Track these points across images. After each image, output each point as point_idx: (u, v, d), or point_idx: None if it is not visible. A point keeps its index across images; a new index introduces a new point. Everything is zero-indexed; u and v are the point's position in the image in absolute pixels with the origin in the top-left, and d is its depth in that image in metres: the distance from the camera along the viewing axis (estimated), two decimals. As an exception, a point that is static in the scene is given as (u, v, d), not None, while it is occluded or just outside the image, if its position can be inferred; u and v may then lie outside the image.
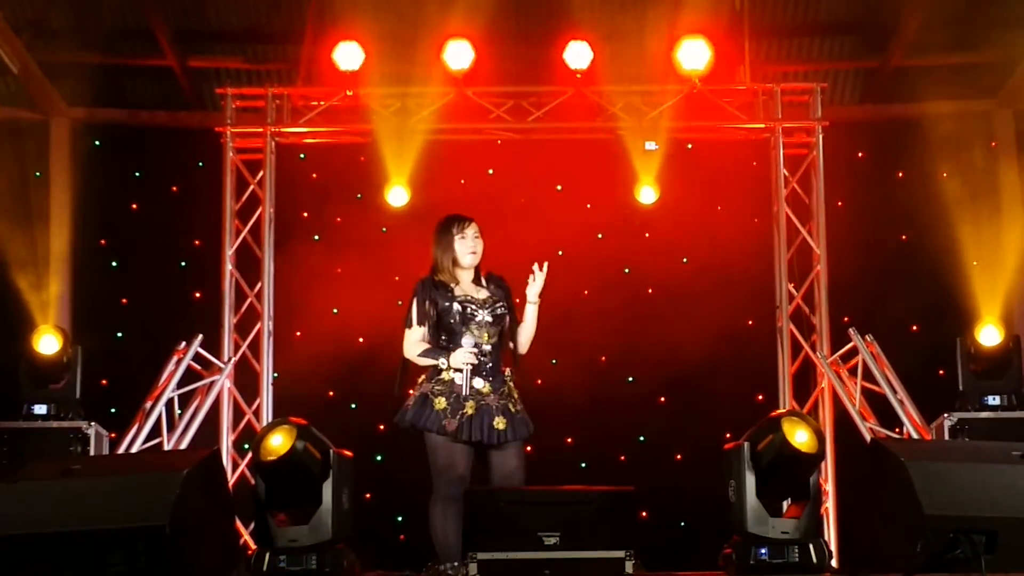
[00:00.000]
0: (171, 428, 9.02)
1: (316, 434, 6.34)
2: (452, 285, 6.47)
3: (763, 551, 6.14)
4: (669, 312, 10.17)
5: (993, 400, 8.69)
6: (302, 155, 10.51)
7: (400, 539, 10.10)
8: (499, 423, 6.30)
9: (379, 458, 10.21)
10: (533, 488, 6.35)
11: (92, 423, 8.51)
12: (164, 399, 8.99)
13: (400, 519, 10.26)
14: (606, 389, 10.21)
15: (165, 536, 5.34)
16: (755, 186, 10.20)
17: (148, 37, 10.22)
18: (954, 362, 8.92)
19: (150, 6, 9.96)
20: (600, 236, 10.47)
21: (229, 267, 9.90)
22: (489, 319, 6.41)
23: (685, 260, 10.44)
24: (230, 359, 9.65)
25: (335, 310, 10.20)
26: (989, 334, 8.72)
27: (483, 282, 6.52)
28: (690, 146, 10.23)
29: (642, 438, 10.45)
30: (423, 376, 6.44)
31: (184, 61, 10.44)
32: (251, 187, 10.05)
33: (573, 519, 5.87)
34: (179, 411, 9.11)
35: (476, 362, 6.32)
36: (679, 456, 10.27)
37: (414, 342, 6.46)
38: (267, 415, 9.74)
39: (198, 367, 9.32)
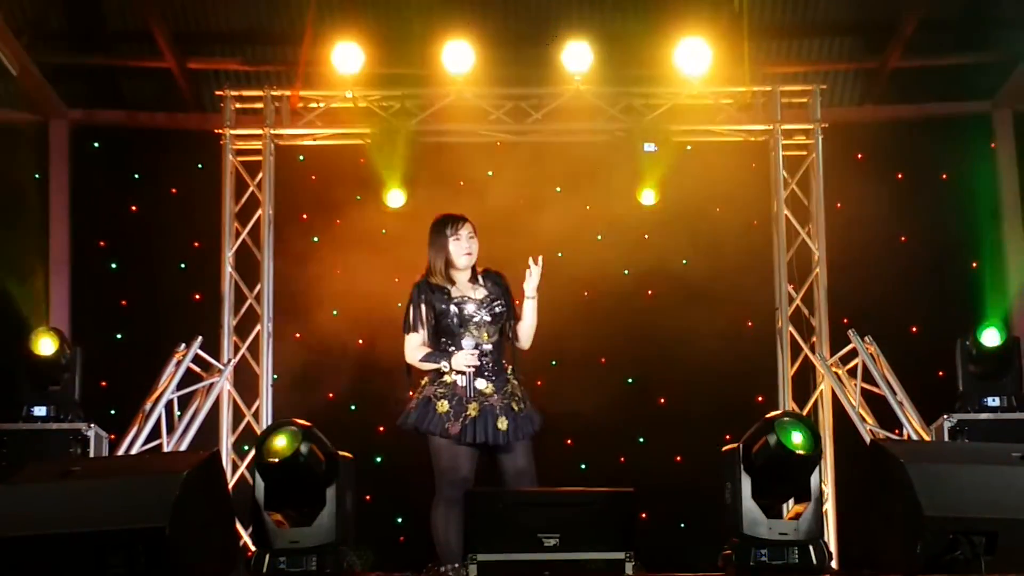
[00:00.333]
0: (171, 430, 9.02)
1: (320, 436, 6.34)
2: (448, 287, 6.45)
3: (763, 552, 6.14)
4: (669, 314, 10.17)
5: (993, 401, 8.68)
6: (301, 157, 10.51)
7: (400, 541, 10.11)
8: (502, 423, 6.29)
9: (379, 460, 10.22)
10: (533, 489, 6.35)
11: (92, 425, 8.51)
12: (164, 401, 8.99)
13: (400, 521, 10.26)
14: (606, 390, 10.20)
15: (165, 538, 5.33)
16: (754, 187, 10.21)
17: (147, 39, 10.22)
18: (953, 363, 8.92)
19: (149, 8, 9.96)
20: (599, 238, 10.47)
21: (228, 269, 9.90)
22: (488, 318, 6.39)
23: (685, 262, 10.43)
24: (230, 361, 9.65)
25: (335, 312, 10.20)
26: (990, 335, 8.71)
27: (480, 280, 6.50)
28: (689, 147, 10.23)
29: (642, 439, 10.45)
30: (425, 379, 6.42)
31: (183, 63, 10.44)
32: (250, 189, 10.06)
33: (573, 520, 5.86)
34: (179, 413, 9.11)
35: (478, 363, 6.30)
36: (679, 457, 10.27)
37: (414, 347, 6.44)
38: (267, 417, 9.74)
39: (198, 369, 9.31)
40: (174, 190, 10.66)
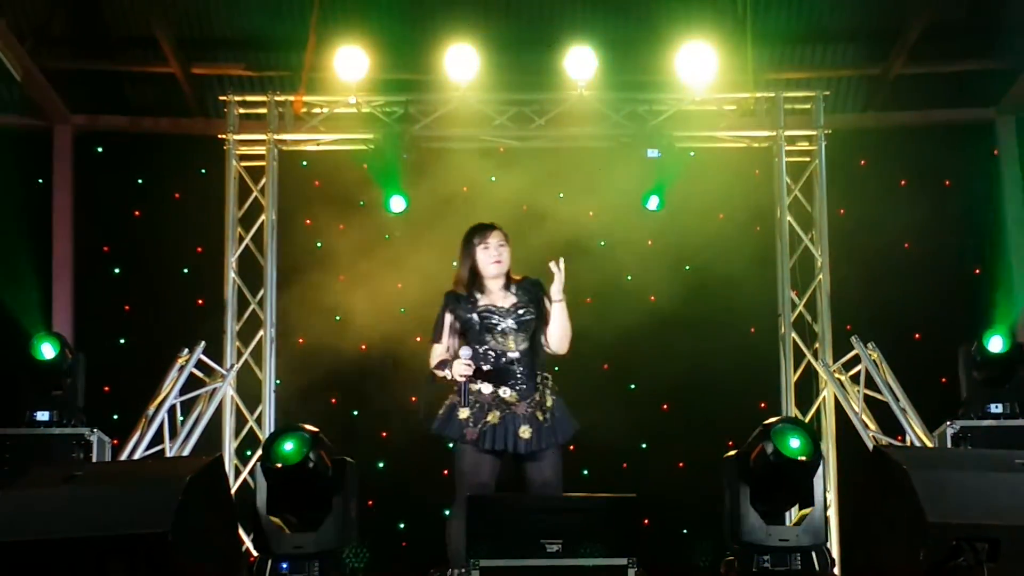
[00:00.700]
0: (173, 435, 9.02)
1: (327, 443, 6.35)
2: (475, 295, 6.43)
3: (765, 558, 6.14)
4: (671, 319, 10.17)
5: (996, 408, 8.67)
6: (304, 162, 10.52)
7: (402, 545, 10.11)
8: (524, 432, 6.27)
9: (381, 465, 10.22)
10: (535, 495, 6.35)
11: (94, 430, 8.51)
12: (167, 406, 8.98)
13: (402, 526, 10.26)
14: (608, 396, 10.20)
15: (167, 543, 5.33)
16: (757, 194, 10.21)
17: (151, 44, 10.23)
18: (956, 370, 8.91)
19: (153, 13, 9.97)
20: (602, 243, 10.47)
21: (232, 274, 9.90)
22: (514, 326, 6.36)
23: (687, 267, 10.44)
24: (232, 366, 9.65)
25: (337, 317, 10.20)
26: (996, 342, 8.70)
27: (513, 288, 6.46)
28: (692, 153, 10.23)
29: (644, 445, 10.44)
30: (456, 386, 6.43)
31: (187, 68, 10.45)
32: (253, 194, 10.06)
33: (576, 526, 5.86)
34: (181, 418, 9.11)
35: (469, 372, 6.26)
36: (681, 464, 10.27)
37: (435, 356, 6.44)
38: (269, 422, 9.74)
39: (200, 374, 9.31)
40: (177, 195, 10.67)
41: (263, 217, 10.03)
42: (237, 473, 9.65)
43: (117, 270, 10.70)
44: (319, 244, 10.44)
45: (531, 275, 6.49)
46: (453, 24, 9.70)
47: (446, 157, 10.06)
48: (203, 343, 9.24)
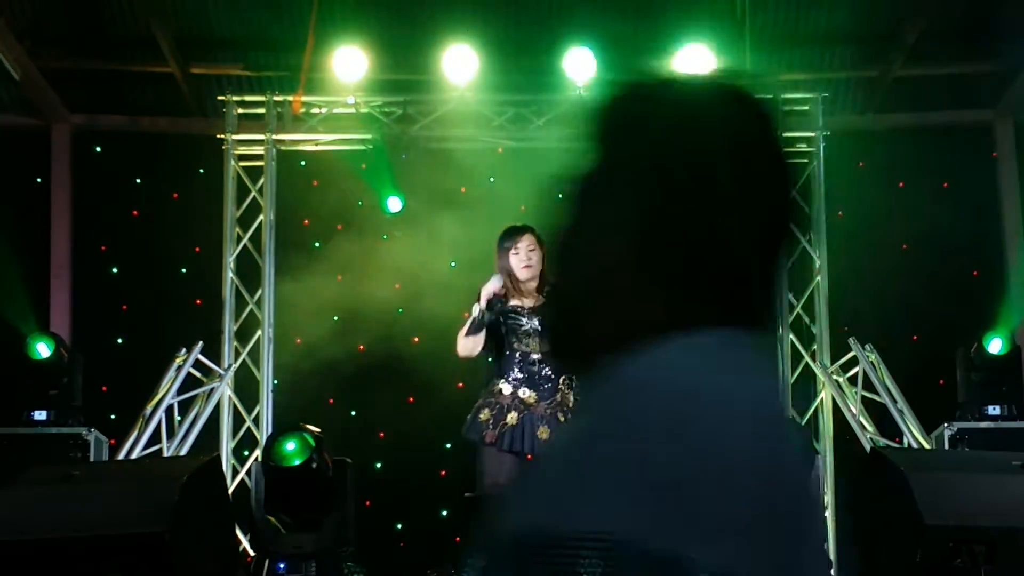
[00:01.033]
0: (171, 435, 9.01)
1: (325, 443, 6.36)
2: (509, 296, 6.44)
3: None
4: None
5: (993, 410, 8.68)
6: (303, 162, 10.52)
7: (400, 546, 10.11)
8: (543, 433, 6.28)
9: (378, 466, 10.21)
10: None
11: (92, 429, 8.51)
12: (164, 405, 8.98)
13: (399, 527, 10.26)
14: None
15: (164, 543, 5.33)
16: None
17: (150, 44, 10.22)
18: (954, 372, 8.91)
19: (152, 13, 9.97)
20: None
21: (230, 274, 9.90)
22: (538, 328, 6.37)
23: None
24: (230, 366, 9.65)
25: (335, 317, 10.20)
26: (996, 343, 8.69)
27: (546, 291, 6.48)
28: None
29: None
30: (484, 391, 6.43)
31: (185, 68, 10.44)
32: (252, 194, 10.06)
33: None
34: (179, 418, 9.11)
35: (498, 286, 6.27)
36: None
37: (457, 339, 6.43)
38: (267, 422, 9.74)
39: (198, 374, 9.31)
40: (176, 195, 10.66)
41: (261, 217, 10.02)
42: (234, 473, 9.64)
43: (115, 269, 10.69)
44: (317, 244, 10.44)
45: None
46: (452, 25, 9.70)
47: (444, 158, 10.05)
48: (201, 343, 9.24)
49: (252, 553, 6.53)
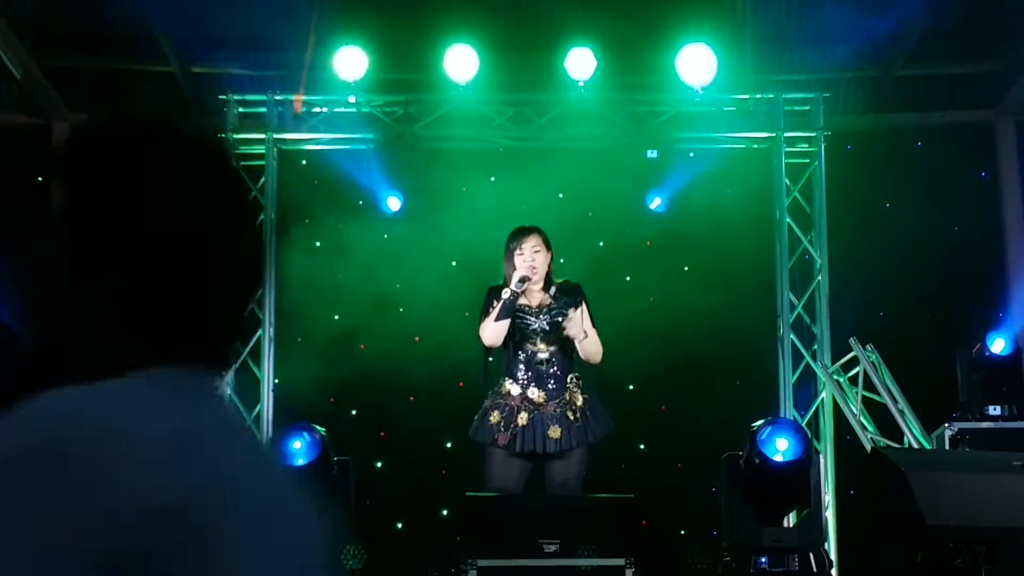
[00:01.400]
0: (171, 434, 9.00)
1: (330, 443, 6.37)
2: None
3: (763, 559, 6.14)
4: (670, 320, 10.17)
5: (994, 410, 8.67)
6: (304, 161, 10.52)
7: (400, 545, 10.10)
8: (554, 432, 6.28)
9: (379, 464, 10.22)
10: (533, 495, 6.35)
11: (92, 428, 8.49)
12: (165, 405, 8.96)
13: (399, 525, 10.26)
14: (606, 397, 10.18)
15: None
16: (756, 195, 10.21)
17: (151, 43, 10.22)
18: (955, 372, 8.91)
19: (153, 12, 9.96)
20: (601, 244, 10.47)
21: (230, 273, 9.88)
22: (546, 327, 6.38)
23: (686, 268, 10.44)
24: (231, 365, 9.65)
25: (336, 316, 10.21)
26: (998, 343, 8.69)
27: (552, 291, 6.48)
28: (692, 154, 10.23)
29: (642, 446, 10.44)
30: (490, 392, 6.43)
31: (186, 67, 10.44)
32: (252, 193, 10.05)
33: (573, 527, 5.86)
34: (179, 417, 9.09)
35: (525, 271, 6.29)
36: (679, 464, 10.27)
37: (484, 325, 6.41)
38: (268, 421, 9.74)
39: (199, 373, 9.29)
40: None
41: (262, 216, 10.02)
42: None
43: (116, 269, 10.69)
44: (318, 243, 10.44)
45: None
46: (453, 24, 9.70)
47: (445, 157, 10.06)
48: (201, 342, 9.21)
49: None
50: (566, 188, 10.40)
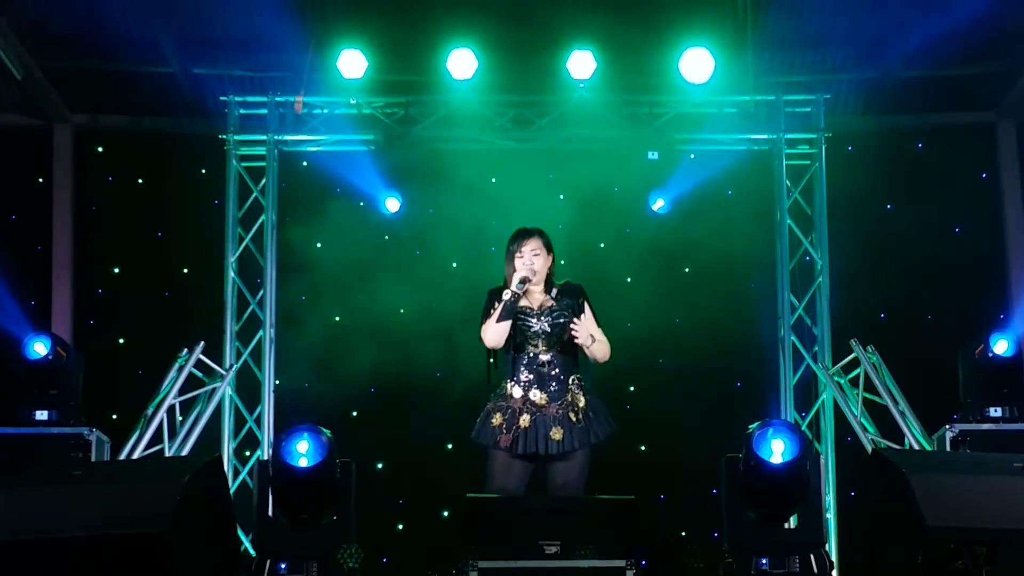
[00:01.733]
0: (172, 435, 9.01)
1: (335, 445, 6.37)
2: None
3: (764, 561, 6.14)
4: (671, 321, 10.17)
5: (995, 412, 8.66)
6: (304, 162, 10.52)
7: (400, 547, 10.10)
8: (556, 434, 6.28)
9: (379, 466, 10.22)
10: (534, 496, 6.35)
11: (93, 429, 8.50)
12: (166, 406, 8.98)
13: (400, 527, 10.26)
14: (607, 398, 10.18)
15: (165, 543, 5.33)
16: (757, 196, 10.21)
17: (152, 44, 10.22)
18: (956, 374, 8.90)
19: (154, 13, 9.96)
20: (602, 245, 10.47)
21: (231, 274, 9.90)
22: (547, 329, 6.38)
23: (687, 269, 10.44)
24: (232, 366, 9.65)
25: (336, 317, 10.21)
26: (1001, 344, 8.68)
27: (553, 292, 6.48)
28: (693, 156, 10.24)
29: (643, 448, 10.44)
30: (492, 394, 6.42)
31: (187, 68, 10.44)
32: (254, 194, 10.07)
33: (574, 528, 5.86)
34: (180, 418, 9.11)
35: (524, 272, 6.29)
36: (680, 465, 10.26)
37: (485, 326, 6.39)
38: (268, 422, 9.74)
39: (200, 374, 9.31)
40: (178, 195, 10.66)
41: (263, 217, 10.03)
42: (236, 473, 9.65)
43: (117, 270, 10.70)
44: (319, 244, 10.44)
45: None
46: (454, 25, 9.70)
47: (446, 158, 10.06)
48: (202, 343, 9.23)
49: (254, 554, 6.53)
50: (566, 189, 10.40)
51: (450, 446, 10.10)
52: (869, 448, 8.78)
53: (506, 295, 6.30)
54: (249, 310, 9.95)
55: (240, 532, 7.54)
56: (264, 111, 10.09)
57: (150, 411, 8.98)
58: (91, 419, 8.65)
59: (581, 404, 6.37)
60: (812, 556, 6.16)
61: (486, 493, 6.32)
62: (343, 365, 10.03)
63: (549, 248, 6.50)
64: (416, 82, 10.10)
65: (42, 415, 8.51)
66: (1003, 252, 10.58)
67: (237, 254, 9.95)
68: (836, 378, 9.43)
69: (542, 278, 6.46)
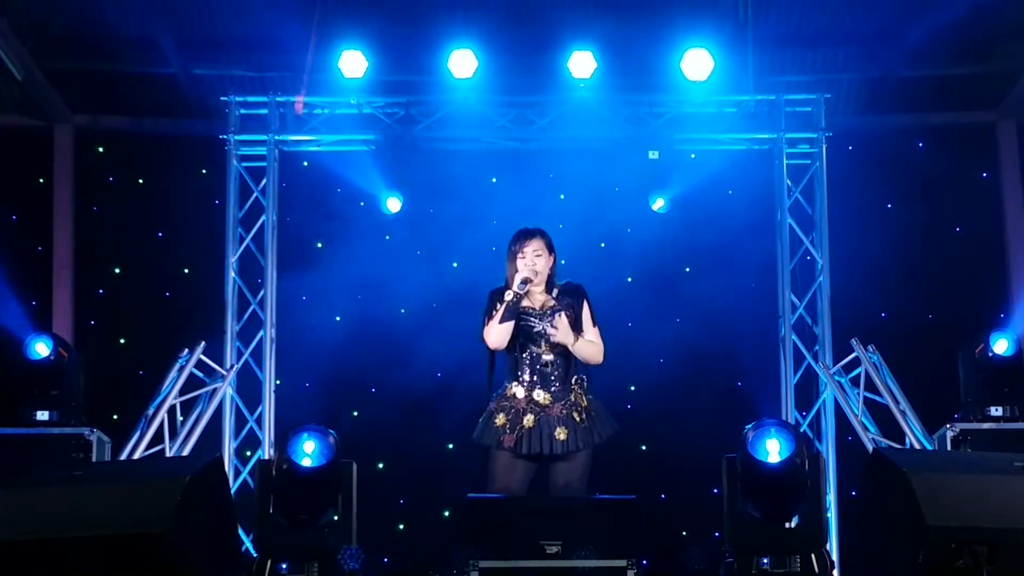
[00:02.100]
0: (173, 435, 9.02)
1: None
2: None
3: (764, 560, 6.14)
4: (671, 321, 10.17)
5: (996, 411, 8.66)
6: (305, 163, 10.52)
7: (401, 547, 10.11)
8: (560, 434, 6.28)
9: (380, 466, 10.22)
10: (535, 496, 6.35)
11: (94, 429, 8.50)
12: (166, 406, 8.98)
13: (401, 527, 10.26)
14: (608, 398, 10.18)
15: (167, 543, 5.33)
16: (758, 196, 10.21)
17: (152, 45, 10.23)
18: (956, 373, 8.91)
19: (155, 14, 9.97)
20: (603, 245, 10.47)
21: (232, 274, 9.90)
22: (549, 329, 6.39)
23: (687, 269, 10.44)
24: (232, 366, 9.65)
25: (337, 318, 10.21)
26: (1001, 344, 8.68)
27: (554, 293, 6.48)
28: (693, 155, 10.24)
29: (644, 447, 10.44)
30: (495, 395, 6.42)
31: (188, 69, 10.45)
32: (254, 195, 10.07)
33: (575, 528, 5.86)
34: (181, 418, 9.11)
35: (527, 274, 6.30)
36: (680, 465, 10.26)
37: (488, 327, 6.38)
38: (269, 422, 9.74)
39: (200, 374, 9.31)
40: (178, 195, 10.67)
41: (264, 218, 10.03)
42: (237, 473, 9.65)
43: (117, 270, 10.70)
44: (319, 244, 10.44)
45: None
46: (454, 25, 9.71)
47: (446, 158, 10.06)
48: (203, 343, 9.24)
49: (254, 554, 6.53)
50: (567, 189, 10.41)
51: (451, 446, 10.11)
52: (870, 448, 8.78)
53: (508, 296, 6.30)
54: (250, 310, 9.95)
55: (241, 532, 7.54)
56: (265, 111, 10.09)
57: (151, 411, 8.98)
58: (92, 419, 8.66)
59: (584, 404, 6.38)
60: (813, 555, 6.16)
61: (487, 493, 6.32)
62: (344, 365, 10.04)
63: (551, 249, 6.51)
64: (416, 82, 10.10)
65: (43, 415, 8.52)
66: (1003, 252, 10.58)
67: (238, 254, 9.95)
68: (837, 377, 9.43)
69: (544, 279, 6.46)
